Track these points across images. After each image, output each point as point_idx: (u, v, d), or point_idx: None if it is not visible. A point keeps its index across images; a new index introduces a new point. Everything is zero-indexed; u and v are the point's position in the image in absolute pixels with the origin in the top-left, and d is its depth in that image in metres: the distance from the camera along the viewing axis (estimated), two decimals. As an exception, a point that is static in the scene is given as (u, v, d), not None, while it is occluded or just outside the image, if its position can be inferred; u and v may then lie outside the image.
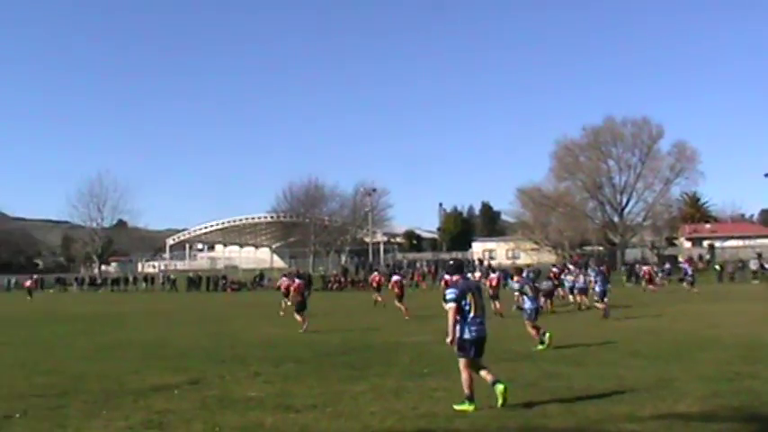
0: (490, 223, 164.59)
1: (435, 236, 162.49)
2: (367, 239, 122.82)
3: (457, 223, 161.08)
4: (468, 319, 13.56)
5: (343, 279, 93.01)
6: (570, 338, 25.47)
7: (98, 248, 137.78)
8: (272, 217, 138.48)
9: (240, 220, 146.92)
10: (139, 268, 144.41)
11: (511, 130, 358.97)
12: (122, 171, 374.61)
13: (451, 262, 15.58)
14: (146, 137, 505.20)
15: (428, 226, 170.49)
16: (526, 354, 21.83)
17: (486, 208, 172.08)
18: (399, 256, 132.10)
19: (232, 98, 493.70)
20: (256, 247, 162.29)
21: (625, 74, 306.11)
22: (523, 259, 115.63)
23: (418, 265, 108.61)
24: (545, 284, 40.55)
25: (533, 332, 24.37)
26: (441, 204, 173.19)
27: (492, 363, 15.36)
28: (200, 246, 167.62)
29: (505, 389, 13.41)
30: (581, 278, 45.95)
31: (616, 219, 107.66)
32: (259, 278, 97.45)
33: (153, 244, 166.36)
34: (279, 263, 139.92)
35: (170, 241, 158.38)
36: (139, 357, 23.13)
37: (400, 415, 12.97)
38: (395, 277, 47.10)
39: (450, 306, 13.55)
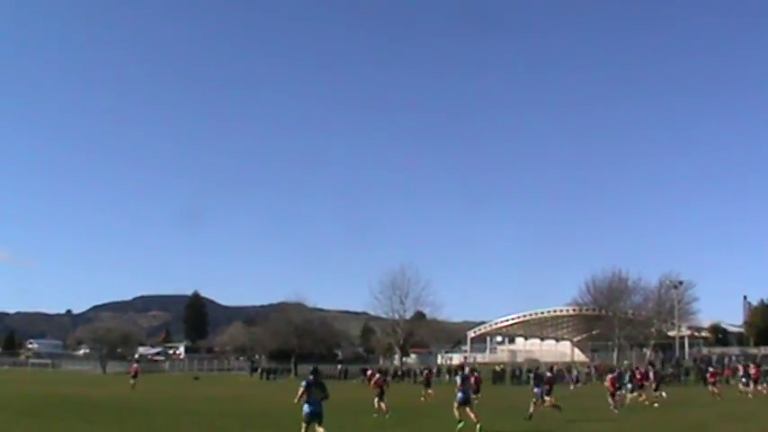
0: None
1: (742, 330, 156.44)
2: (672, 333, 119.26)
3: (764, 316, 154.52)
4: (310, 401, 23.39)
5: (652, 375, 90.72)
6: None
7: (400, 340, 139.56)
8: (574, 310, 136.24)
9: (541, 312, 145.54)
10: (439, 360, 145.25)
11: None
12: (423, 263, 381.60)
13: (311, 368, 25.25)
14: (442, 230, 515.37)
15: (732, 320, 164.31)
16: None
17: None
18: (705, 350, 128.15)
19: (532, 190, 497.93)
20: (557, 340, 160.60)
21: None
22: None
23: (726, 360, 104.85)
24: None
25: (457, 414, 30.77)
26: (745, 297, 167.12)
27: None
28: (499, 338, 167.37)
29: None
30: None
31: None
32: (566, 372, 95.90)
33: (451, 336, 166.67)
34: (580, 356, 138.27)
35: (471, 334, 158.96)
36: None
37: None
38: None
39: (300, 390, 23.60)
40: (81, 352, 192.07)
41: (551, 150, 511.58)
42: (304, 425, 23.45)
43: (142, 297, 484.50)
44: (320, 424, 23.28)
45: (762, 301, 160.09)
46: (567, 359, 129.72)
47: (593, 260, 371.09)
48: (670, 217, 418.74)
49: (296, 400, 23.89)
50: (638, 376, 53.17)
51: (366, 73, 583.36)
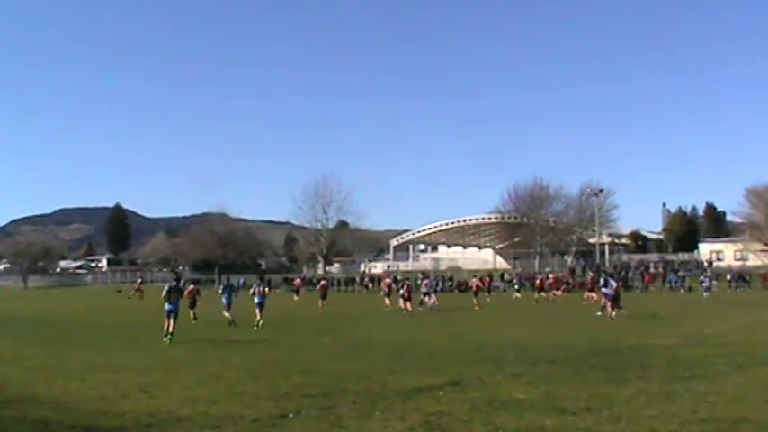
0: (715, 224, 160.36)
1: (661, 237, 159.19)
2: (592, 240, 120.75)
3: (681, 224, 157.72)
4: (171, 300, 30.49)
5: (570, 281, 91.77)
6: None
7: (323, 249, 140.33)
8: (496, 218, 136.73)
9: (464, 220, 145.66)
10: (362, 268, 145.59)
11: (736, 129, 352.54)
12: (345, 173, 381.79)
13: (174, 274, 34.62)
14: (367, 139, 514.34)
15: (651, 227, 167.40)
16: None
17: (711, 208, 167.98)
18: (625, 257, 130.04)
19: (456, 100, 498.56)
20: (479, 247, 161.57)
21: None
22: (752, 261, 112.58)
23: (645, 266, 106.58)
24: None
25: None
26: (664, 205, 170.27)
27: (750, 368, 19.33)
28: (422, 246, 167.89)
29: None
30: None
31: None
32: (489, 278, 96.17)
33: (374, 244, 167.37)
34: (502, 264, 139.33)
35: (394, 242, 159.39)
36: (391, 358, 23.33)
37: (681, 419, 12.63)
38: (387, 279, 59.23)
39: (164, 292, 31.12)
40: (1, 267, 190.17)
41: (475, 55, 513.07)
42: (166, 319, 30.18)
43: (63, 210, 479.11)
44: (176, 318, 30.42)
45: (680, 208, 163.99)
46: (490, 267, 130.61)
47: (516, 169, 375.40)
48: (591, 126, 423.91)
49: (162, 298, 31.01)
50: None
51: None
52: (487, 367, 20.07)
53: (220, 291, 41.92)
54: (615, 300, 41.76)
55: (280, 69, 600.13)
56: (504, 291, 73.75)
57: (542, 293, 65.29)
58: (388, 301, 53.52)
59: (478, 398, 15.09)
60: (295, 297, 69.18)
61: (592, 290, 58.91)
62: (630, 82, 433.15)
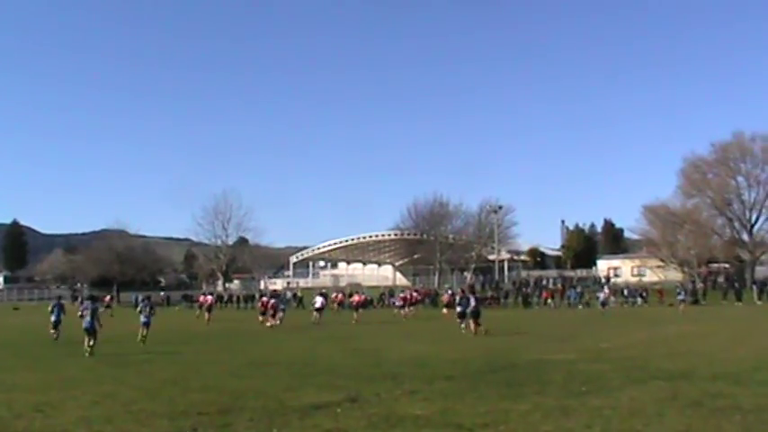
0: (613, 240, 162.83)
1: (559, 253, 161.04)
2: (492, 257, 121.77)
3: (580, 240, 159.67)
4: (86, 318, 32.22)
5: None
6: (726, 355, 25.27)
7: (223, 266, 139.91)
8: (395, 234, 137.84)
9: (364, 237, 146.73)
10: (262, 285, 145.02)
11: (632, 148, 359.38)
12: (245, 189, 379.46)
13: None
14: (268, 156, 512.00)
15: (550, 243, 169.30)
16: (681, 372, 21.42)
17: (609, 225, 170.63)
18: (524, 273, 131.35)
19: (356, 119, 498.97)
20: (379, 264, 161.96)
21: (754, 89, 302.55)
22: (649, 277, 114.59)
23: (544, 282, 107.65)
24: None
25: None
26: (563, 222, 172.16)
27: (645, 382, 19.31)
28: (322, 263, 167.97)
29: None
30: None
31: (745, 236, 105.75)
32: (389, 295, 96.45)
33: (274, 261, 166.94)
34: (402, 280, 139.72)
35: (293, 259, 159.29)
36: (289, 375, 23.08)
37: (577, 434, 12.80)
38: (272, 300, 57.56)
39: (83, 310, 33.31)
40: None
41: (374, 75, 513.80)
42: (86, 337, 31.83)
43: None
44: (94, 336, 31.89)
45: (578, 225, 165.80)
46: (389, 283, 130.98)
47: (416, 186, 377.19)
48: (490, 143, 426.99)
49: (79, 316, 33.12)
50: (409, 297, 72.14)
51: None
52: (385, 384, 20.04)
53: (138, 309, 41.84)
54: (463, 316, 43.11)
55: (181, 86, 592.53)
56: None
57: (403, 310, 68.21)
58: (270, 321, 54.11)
59: (376, 414, 15.05)
60: (198, 312, 69.20)
61: (449, 306, 60.64)
62: (528, 100, 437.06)
